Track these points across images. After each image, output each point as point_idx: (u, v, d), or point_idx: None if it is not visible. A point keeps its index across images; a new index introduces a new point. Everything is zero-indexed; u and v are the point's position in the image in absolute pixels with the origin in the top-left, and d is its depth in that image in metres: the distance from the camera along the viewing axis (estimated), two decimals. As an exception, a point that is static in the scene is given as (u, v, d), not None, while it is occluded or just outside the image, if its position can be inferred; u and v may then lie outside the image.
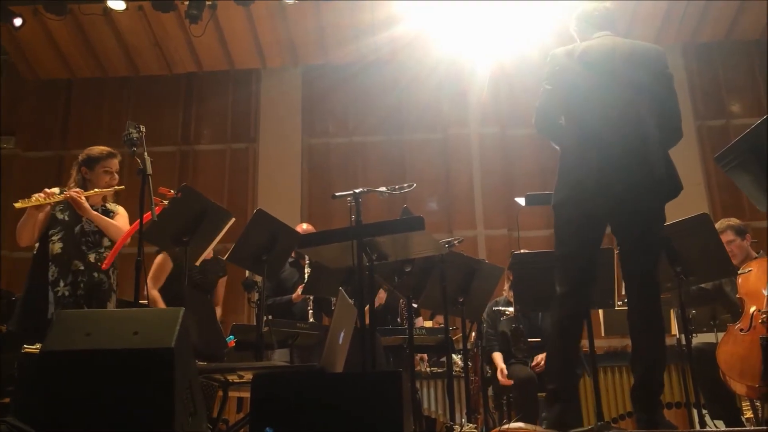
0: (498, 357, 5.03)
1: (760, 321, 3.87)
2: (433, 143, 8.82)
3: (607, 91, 2.98)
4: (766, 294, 3.97)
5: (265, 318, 3.93)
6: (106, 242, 3.87)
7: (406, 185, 3.60)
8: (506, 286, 5.20)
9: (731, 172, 3.61)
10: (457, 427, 3.55)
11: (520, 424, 3.50)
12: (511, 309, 4.82)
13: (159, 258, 4.61)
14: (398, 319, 5.32)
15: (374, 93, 8.81)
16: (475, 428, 3.48)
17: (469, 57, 8.25)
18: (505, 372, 4.88)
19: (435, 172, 8.71)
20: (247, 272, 4.54)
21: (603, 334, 5.73)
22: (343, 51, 8.61)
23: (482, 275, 4.25)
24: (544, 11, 7.25)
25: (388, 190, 3.60)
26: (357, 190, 3.24)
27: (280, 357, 4.66)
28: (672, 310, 4.97)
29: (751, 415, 4.42)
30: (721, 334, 4.28)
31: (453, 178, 8.72)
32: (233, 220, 3.89)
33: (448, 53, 8.16)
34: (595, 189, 2.90)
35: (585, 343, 4.04)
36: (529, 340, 4.90)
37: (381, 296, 5.23)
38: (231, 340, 4.41)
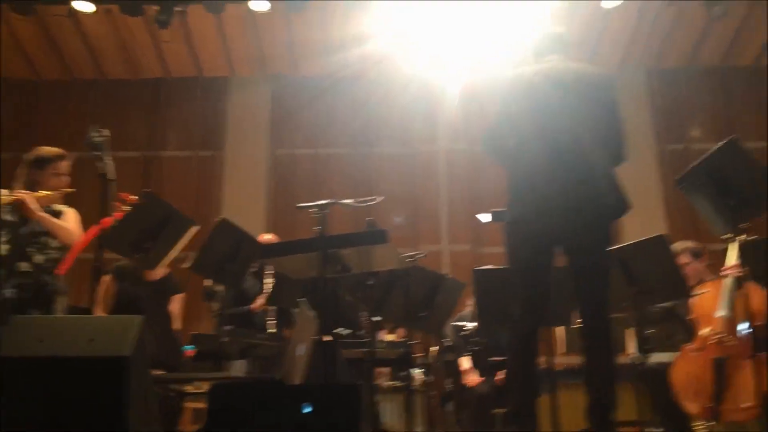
0: (465, 360, 5.05)
1: (712, 342, 3.95)
2: (401, 158, 8.87)
3: (555, 114, 3.02)
4: (718, 316, 4.06)
5: (225, 328, 3.90)
6: (54, 244, 3.78)
7: (371, 198, 3.61)
8: (470, 301, 5.24)
9: (690, 195, 3.71)
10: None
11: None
12: (473, 324, 4.84)
13: (103, 281, 4.57)
14: (359, 332, 5.31)
15: (344, 107, 8.85)
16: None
17: (440, 75, 8.32)
18: (473, 374, 4.89)
19: (402, 187, 8.75)
20: (208, 281, 4.50)
21: (563, 351, 5.81)
22: (314, 64, 8.63)
23: (445, 290, 4.27)
24: (514, 32, 7.36)
25: (353, 202, 3.61)
26: (322, 202, 3.24)
27: (239, 368, 4.61)
28: (629, 330, 5.05)
29: (704, 434, 4.51)
30: (676, 354, 4.36)
31: (420, 193, 8.77)
32: (197, 228, 3.85)
33: (419, 71, 8.22)
34: (543, 211, 2.94)
35: (548, 360, 4.10)
36: (491, 359, 4.93)
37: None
38: (190, 349, 4.37)
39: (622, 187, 3.05)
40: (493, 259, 7.15)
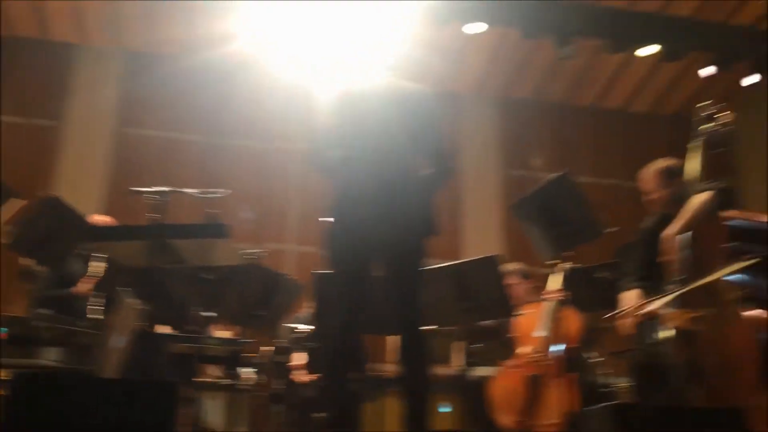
0: (298, 356, 5.01)
1: (529, 360, 4.20)
2: (255, 153, 8.70)
3: (378, 132, 3.11)
4: (538, 336, 4.33)
5: (39, 311, 3.61)
6: None
7: (217, 190, 3.51)
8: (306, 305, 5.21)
9: (522, 220, 3.94)
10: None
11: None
12: (303, 327, 4.83)
13: None
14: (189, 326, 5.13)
15: (201, 92, 8.53)
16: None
17: (300, 74, 8.26)
18: (303, 371, 4.87)
19: (253, 183, 8.57)
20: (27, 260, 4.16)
21: (390, 360, 5.93)
22: (173, 42, 8.26)
23: (283, 290, 4.24)
24: (375, 35, 7.45)
25: (197, 192, 3.49)
26: (161, 188, 3.10)
27: (51, 356, 4.29)
28: (456, 343, 5.26)
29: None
30: (496, 369, 4.59)
31: (271, 190, 8.64)
32: (22, 202, 3.55)
33: (279, 68, 8.11)
34: (360, 224, 3.01)
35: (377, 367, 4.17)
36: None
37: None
38: (3, 332, 4.00)
39: (435, 209, 3.16)
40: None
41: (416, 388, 2.99)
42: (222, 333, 5.79)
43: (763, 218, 3.26)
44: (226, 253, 3.41)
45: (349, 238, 3.05)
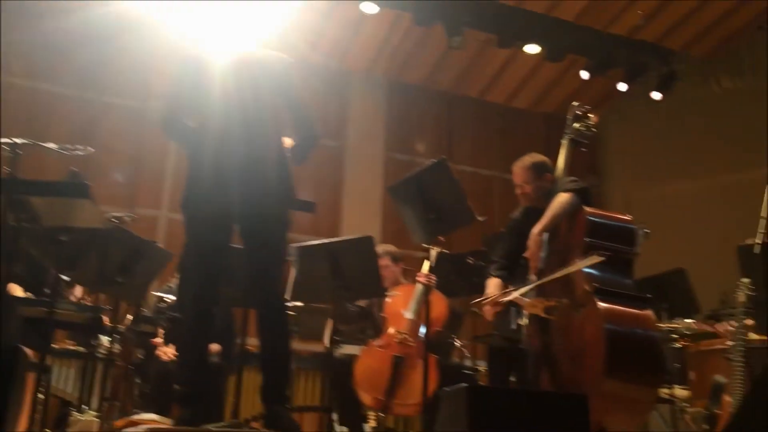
0: (162, 332, 4.86)
1: (396, 340, 4.28)
2: (130, 111, 8.27)
3: (232, 97, 3.03)
4: (406, 318, 4.41)
5: None
6: None
7: (80, 147, 3.30)
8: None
9: (399, 203, 3.98)
10: (75, 413, 3.31)
11: (153, 416, 3.40)
12: (171, 297, 4.68)
13: None
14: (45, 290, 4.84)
15: (79, 46, 7.97)
16: (97, 416, 3.28)
17: (190, 37, 7.92)
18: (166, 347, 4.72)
19: (127, 142, 8.18)
20: None
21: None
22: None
23: (149, 258, 4.07)
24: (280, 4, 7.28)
25: (58, 147, 3.27)
26: (15, 140, 2.88)
27: None
28: (329, 321, 5.28)
29: (375, 424, 4.86)
30: (363, 348, 4.64)
31: (146, 152, 8.26)
32: None
33: (168, 28, 7.74)
34: (216, 191, 2.94)
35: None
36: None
37: None
38: None
39: (292, 179, 3.12)
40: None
41: (274, 361, 2.96)
42: (84, 298, 5.54)
43: (622, 217, 3.47)
44: (89, 215, 3.23)
45: (203, 208, 2.95)
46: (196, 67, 3.10)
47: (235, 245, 3.18)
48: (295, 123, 3.16)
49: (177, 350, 2.98)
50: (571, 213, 3.44)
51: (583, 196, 3.49)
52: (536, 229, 3.44)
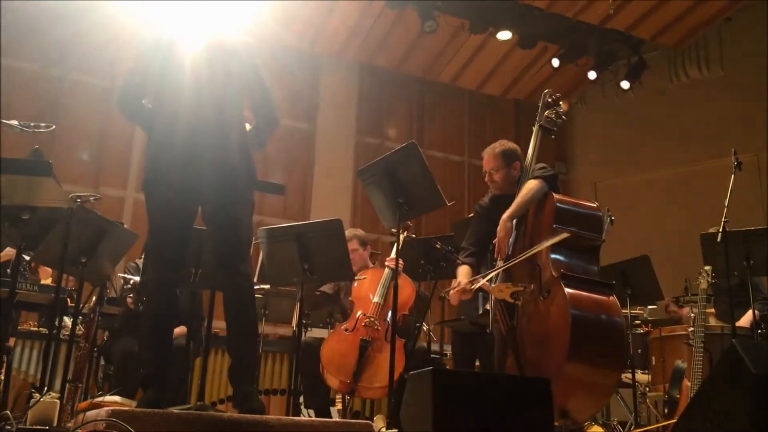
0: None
1: (363, 324, 4.29)
2: (96, 90, 8.11)
3: (194, 78, 2.98)
4: (373, 302, 4.42)
5: None
6: None
7: (43, 124, 3.23)
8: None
9: (368, 188, 3.97)
10: (36, 394, 3.27)
11: (117, 398, 3.36)
12: (137, 278, 4.62)
13: None
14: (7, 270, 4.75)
15: (43, 18, 7.78)
16: (58, 397, 3.24)
17: (160, 17, 7.76)
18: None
19: (93, 121, 8.03)
20: None
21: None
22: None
23: (113, 238, 4.00)
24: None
25: (19, 124, 3.19)
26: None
27: None
28: (295, 305, 5.27)
29: (341, 407, 4.88)
30: (330, 331, 4.65)
31: (112, 131, 8.12)
32: None
33: (134, 6, 7.59)
34: (178, 174, 2.89)
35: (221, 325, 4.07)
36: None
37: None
38: None
39: (252, 159, 3.08)
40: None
41: (241, 343, 2.94)
42: (47, 279, 5.45)
43: (588, 204, 3.51)
44: (51, 194, 3.16)
45: (165, 190, 2.90)
46: (155, 48, 3.03)
47: (200, 227, 3.14)
48: (254, 106, 3.12)
49: (141, 333, 2.93)
50: (539, 199, 3.47)
51: (552, 183, 3.52)
52: (505, 215, 3.47)
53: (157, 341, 2.87)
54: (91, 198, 3.89)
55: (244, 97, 3.08)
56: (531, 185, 3.49)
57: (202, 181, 2.90)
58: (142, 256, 4.90)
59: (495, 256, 3.50)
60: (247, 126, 3.14)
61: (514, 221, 3.51)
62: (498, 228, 3.46)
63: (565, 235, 3.09)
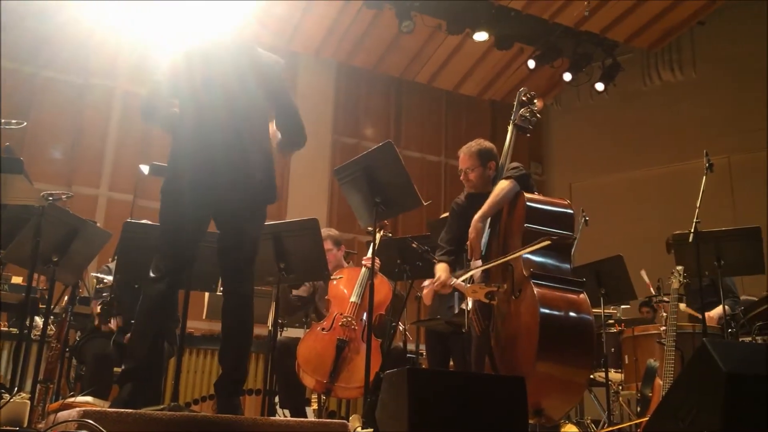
0: (97, 305, 4.74)
1: (340, 324, 4.28)
2: (70, 87, 7.99)
3: (224, 91, 3.03)
4: (350, 301, 4.41)
5: None
6: None
7: (14, 121, 3.18)
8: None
9: (344, 187, 3.96)
10: (6, 395, 3.22)
11: (88, 399, 3.32)
12: (110, 278, 4.57)
13: None
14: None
15: (17, 14, 7.64)
16: (29, 398, 3.19)
17: (125, 10, 7.71)
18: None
19: (66, 119, 7.92)
20: None
21: (204, 317, 5.81)
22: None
23: (86, 237, 3.95)
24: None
25: (-10, 122, 3.14)
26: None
27: None
28: (270, 304, 5.24)
29: (316, 407, 4.86)
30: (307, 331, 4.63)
31: (85, 129, 8.02)
32: None
33: (110, 6, 7.51)
34: (199, 181, 2.95)
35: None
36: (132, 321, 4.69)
37: None
38: None
39: (274, 175, 3.15)
40: (153, 214, 6.85)
41: (240, 352, 3.01)
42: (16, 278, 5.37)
43: (560, 202, 3.53)
44: (22, 191, 3.12)
45: (184, 196, 2.95)
46: (186, 60, 3.08)
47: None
48: (280, 124, 3.19)
49: (134, 326, 2.92)
50: (512, 199, 3.49)
51: (524, 183, 3.54)
52: (477, 216, 3.48)
53: (153, 337, 2.87)
54: (64, 196, 3.84)
55: (270, 113, 3.14)
56: (503, 185, 3.51)
57: (219, 192, 2.96)
58: (114, 259, 4.84)
59: (469, 256, 3.51)
60: (272, 129, 3.21)
61: (487, 221, 3.52)
62: (470, 229, 3.48)
63: (545, 242, 3.11)
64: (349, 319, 4.30)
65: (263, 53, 3.21)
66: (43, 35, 7.74)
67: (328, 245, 4.76)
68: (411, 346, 5.09)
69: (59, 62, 7.91)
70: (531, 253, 3.19)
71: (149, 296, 2.91)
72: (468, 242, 3.49)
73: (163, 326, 3.01)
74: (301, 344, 4.30)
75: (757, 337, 4.49)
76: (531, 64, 8.95)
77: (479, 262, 3.46)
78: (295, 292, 4.87)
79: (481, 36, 8.57)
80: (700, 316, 4.46)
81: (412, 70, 9.63)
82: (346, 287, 4.52)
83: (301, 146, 3.29)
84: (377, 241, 3.91)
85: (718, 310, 4.78)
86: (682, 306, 4.69)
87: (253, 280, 3.12)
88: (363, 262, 4.65)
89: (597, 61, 9.29)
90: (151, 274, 2.91)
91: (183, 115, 3.04)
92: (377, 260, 4.28)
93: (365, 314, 4.29)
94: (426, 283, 3.84)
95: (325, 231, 4.85)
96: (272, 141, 3.23)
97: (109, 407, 2.70)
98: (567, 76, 9.16)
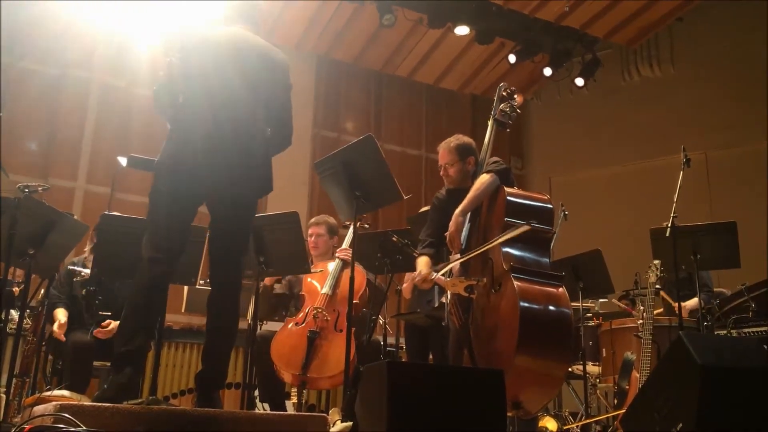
0: (60, 313, 4.67)
1: (312, 316, 4.27)
2: (46, 78, 7.87)
3: (228, 82, 3.05)
4: (322, 293, 4.40)
5: None
6: None
7: (-14, 112, 3.13)
8: (88, 247, 4.88)
9: (324, 180, 3.95)
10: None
11: (64, 392, 3.29)
12: (87, 271, 4.52)
13: None
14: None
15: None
16: (5, 392, 3.15)
17: (113, 7, 7.61)
18: (63, 327, 4.55)
19: (42, 110, 7.80)
20: None
21: (183, 310, 5.77)
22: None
23: (62, 230, 3.91)
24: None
25: (-39, 113, 3.09)
26: None
27: None
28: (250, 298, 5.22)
29: (296, 401, 4.86)
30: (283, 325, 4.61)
31: (62, 121, 7.91)
32: None
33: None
34: (196, 169, 2.94)
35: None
36: (101, 313, 4.65)
37: None
38: None
39: (271, 169, 3.18)
40: (131, 207, 6.79)
41: (225, 347, 3.00)
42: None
43: (539, 196, 3.55)
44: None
45: (179, 183, 2.94)
46: (200, 46, 3.09)
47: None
48: (278, 121, 3.20)
49: (129, 310, 2.86)
50: (491, 193, 3.51)
51: (504, 177, 3.55)
52: (458, 210, 3.50)
53: (145, 322, 2.85)
54: (40, 188, 3.80)
55: (268, 110, 3.15)
56: (483, 179, 3.52)
57: (219, 180, 2.95)
58: (90, 247, 4.79)
59: (450, 249, 3.52)
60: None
61: (467, 215, 3.54)
62: (450, 223, 3.49)
63: (524, 228, 3.12)
64: (320, 310, 4.29)
65: (275, 51, 3.22)
66: (18, 26, 7.61)
67: (321, 230, 4.77)
68: (391, 340, 5.10)
69: (35, 53, 7.79)
70: (511, 247, 3.21)
71: (150, 277, 2.86)
72: (447, 235, 3.51)
73: (161, 310, 3.03)
74: (273, 341, 4.28)
75: (732, 331, 4.56)
76: (512, 58, 8.98)
77: (458, 256, 3.47)
78: (276, 286, 4.86)
79: (462, 30, 8.57)
80: (676, 305, 4.52)
81: (392, 64, 9.61)
82: (319, 281, 4.51)
83: (288, 146, 3.30)
84: (354, 234, 3.91)
85: (693, 301, 4.84)
86: (662, 293, 4.76)
87: (242, 271, 3.12)
88: (337, 255, 4.65)
89: (577, 56, 9.34)
90: (152, 254, 2.87)
91: (189, 103, 3.02)
92: (350, 251, 4.28)
93: (338, 305, 4.29)
94: (408, 276, 3.85)
95: (323, 217, 4.88)
96: None
97: (106, 390, 2.65)
98: (547, 71, 9.20)
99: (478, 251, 3.31)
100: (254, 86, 3.08)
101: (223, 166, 2.95)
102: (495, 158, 3.68)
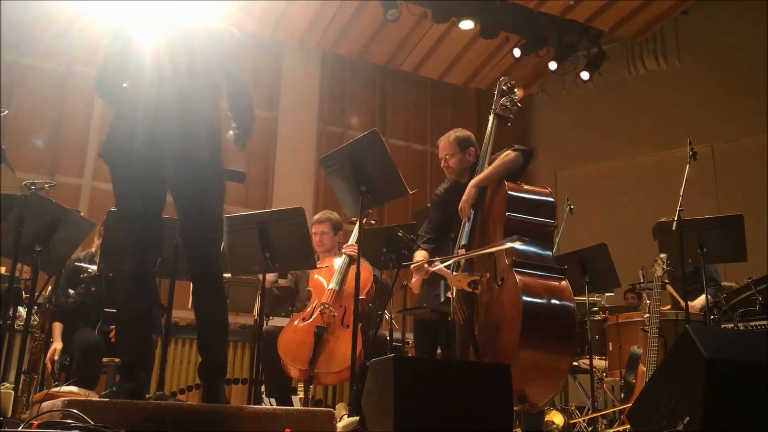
0: (57, 330, 4.68)
1: (319, 311, 4.27)
2: (52, 75, 7.90)
3: (176, 63, 2.92)
4: (329, 288, 4.41)
5: None
6: None
7: (-7, 109, 3.15)
8: (97, 242, 4.89)
9: (330, 175, 3.96)
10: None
11: (72, 389, 3.31)
12: (94, 267, 4.54)
13: None
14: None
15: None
16: (13, 388, 3.17)
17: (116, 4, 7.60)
18: (57, 353, 4.57)
19: (48, 107, 7.83)
20: None
21: (190, 306, 5.78)
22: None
23: (69, 226, 3.93)
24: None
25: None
26: None
27: None
28: (256, 294, 5.23)
29: (303, 396, 4.87)
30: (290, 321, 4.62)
31: (69, 118, 7.94)
32: None
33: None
34: (147, 156, 2.81)
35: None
36: (107, 309, 4.66)
37: None
38: None
39: (219, 148, 3.01)
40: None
41: (211, 334, 2.90)
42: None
43: (541, 190, 3.54)
44: (4, 181, 3.10)
45: (134, 173, 2.82)
46: (133, 31, 2.97)
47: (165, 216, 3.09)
48: (231, 95, 3.07)
49: (118, 319, 2.83)
50: (515, 170, 3.52)
51: (528, 159, 3.59)
52: (473, 182, 3.52)
53: (138, 325, 2.80)
54: (46, 185, 3.81)
55: (219, 86, 3.01)
56: (508, 155, 3.54)
57: (165, 164, 2.81)
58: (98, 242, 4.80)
59: (461, 217, 3.54)
60: (229, 134, 3.10)
61: (472, 213, 3.53)
62: (464, 193, 3.51)
63: (518, 243, 3.12)
64: (327, 305, 4.29)
65: (214, 25, 3.07)
66: (24, 22, 7.64)
67: (325, 227, 4.76)
68: (397, 335, 5.11)
69: (41, 50, 7.82)
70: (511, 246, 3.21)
71: (125, 284, 2.83)
72: (459, 206, 3.53)
73: (139, 307, 2.85)
74: (280, 337, 4.28)
75: (738, 324, 4.55)
76: (516, 53, 8.95)
77: (462, 251, 3.47)
78: (281, 281, 4.87)
79: (466, 24, 8.55)
80: (683, 303, 4.51)
81: (397, 59, 9.60)
82: (325, 277, 4.52)
83: (250, 121, 3.14)
84: (361, 229, 3.91)
85: (700, 300, 4.82)
86: (669, 288, 4.74)
87: (219, 260, 2.97)
88: (343, 250, 4.65)
89: (582, 50, 9.31)
90: (128, 246, 2.82)
91: (137, 87, 2.90)
92: (356, 247, 4.28)
93: (346, 300, 4.29)
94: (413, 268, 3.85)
95: (327, 213, 4.87)
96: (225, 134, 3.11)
97: (115, 394, 2.65)
98: (552, 65, 9.17)
99: (478, 252, 3.32)
100: (191, 66, 2.93)
101: (163, 150, 2.82)
102: (493, 151, 3.70)
